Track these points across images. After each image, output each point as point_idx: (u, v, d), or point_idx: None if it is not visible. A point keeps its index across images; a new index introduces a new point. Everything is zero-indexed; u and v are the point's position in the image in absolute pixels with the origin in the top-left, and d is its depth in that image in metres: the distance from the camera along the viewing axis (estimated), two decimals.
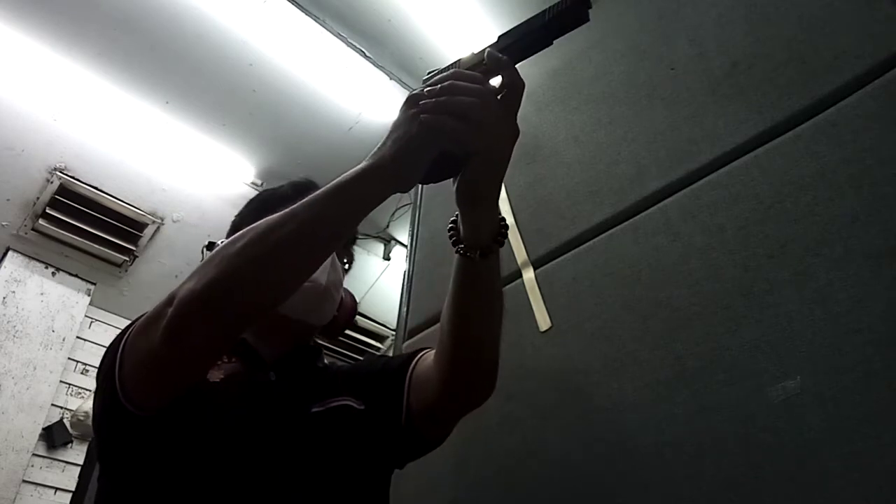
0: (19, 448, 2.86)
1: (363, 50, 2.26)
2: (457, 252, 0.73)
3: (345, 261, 1.02)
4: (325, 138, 2.65)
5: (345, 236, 0.74)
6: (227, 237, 1.00)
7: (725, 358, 0.77)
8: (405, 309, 1.32)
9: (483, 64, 0.66)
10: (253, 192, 3.06)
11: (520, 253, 1.11)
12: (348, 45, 2.24)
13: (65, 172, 2.81)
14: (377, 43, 2.24)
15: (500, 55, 0.64)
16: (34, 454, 2.93)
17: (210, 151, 2.81)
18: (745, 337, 0.76)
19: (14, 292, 3.02)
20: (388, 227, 3.05)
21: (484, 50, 0.68)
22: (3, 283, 2.99)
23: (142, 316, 0.78)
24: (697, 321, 0.82)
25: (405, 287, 1.37)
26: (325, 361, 1.01)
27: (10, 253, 3.04)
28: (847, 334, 0.67)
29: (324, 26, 2.17)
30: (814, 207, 0.76)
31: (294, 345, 0.95)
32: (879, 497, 0.60)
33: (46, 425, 2.98)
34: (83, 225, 2.97)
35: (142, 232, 3.04)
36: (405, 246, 1.72)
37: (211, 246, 1.00)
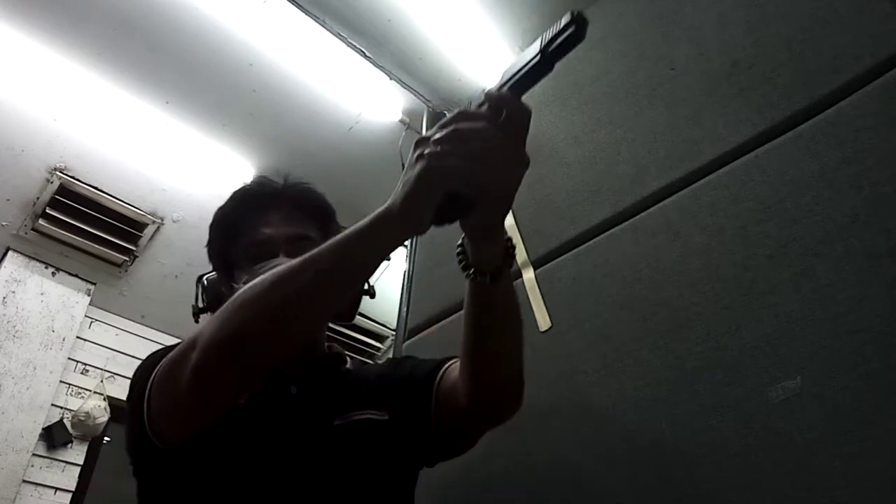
0: (19, 448, 2.86)
1: (363, 50, 2.26)
2: (466, 277, 0.74)
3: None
4: (325, 138, 2.65)
5: (362, 281, 0.75)
6: (211, 231, 1.01)
7: (725, 358, 0.77)
8: (405, 309, 1.32)
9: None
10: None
11: (520, 253, 1.11)
12: (348, 45, 2.24)
13: (65, 172, 2.81)
14: (377, 43, 2.24)
15: (498, 91, 0.65)
16: (34, 454, 2.92)
17: (210, 151, 2.81)
18: (745, 337, 0.76)
19: (14, 292, 3.02)
20: None
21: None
22: (3, 283, 2.99)
23: (167, 349, 0.81)
24: (697, 321, 0.82)
25: (405, 287, 1.37)
26: (349, 365, 1.00)
27: (10, 253, 3.04)
28: (847, 334, 0.67)
29: (324, 26, 2.17)
30: (814, 207, 0.76)
31: (312, 355, 0.95)
32: (879, 497, 0.60)
33: (46, 425, 2.98)
34: (83, 225, 2.97)
35: (142, 232, 3.04)
36: (405, 246, 1.72)
37: (200, 280, 1.01)
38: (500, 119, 0.63)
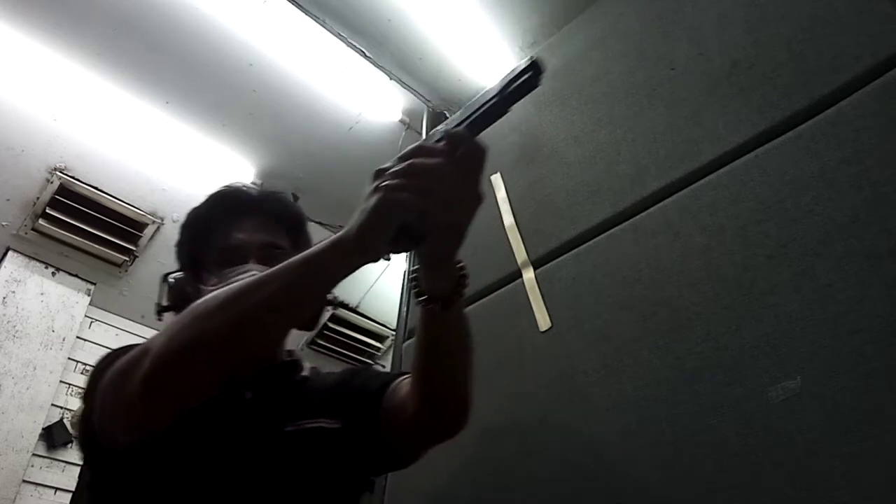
0: (19, 448, 2.86)
1: (363, 50, 2.25)
2: (417, 304, 0.77)
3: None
4: (325, 138, 2.64)
5: (315, 304, 0.79)
6: (179, 265, 1.03)
7: (725, 358, 0.77)
8: (405, 309, 1.32)
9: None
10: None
11: (520, 253, 1.11)
12: (348, 45, 2.23)
13: (65, 172, 2.81)
14: (377, 43, 2.24)
15: (455, 130, 0.67)
16: (34, 454, 2.92)
17: (210, 151, 2.80)
18: (745, 337, 0.76)
19: (14, 292, 3.02)
20: None
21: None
22: (3, 283, 2.99)
23: (125, 349, 0.82)
24: (697, 321, 0.82)
25: (405, 287, 1.36)
26: (306, 372, 1.02)
27: (10, 253, 3.04)
28: (847, 334, 0.67)
29: (324, 26, 2.17)
30: (814, 207, 0.75)
31: (268, 362, 0.97)
32: (879, 497, 0.60)
33: (46, 425, 2.98)
34: (83, 225, 2.97)
35: (142, 232, 3.04)
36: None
37: (165, 279, 1.03)
38: (457, 155, 0.66)
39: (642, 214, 0.96)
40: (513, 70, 0.64)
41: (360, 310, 3.33)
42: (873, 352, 0.65)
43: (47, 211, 2.89)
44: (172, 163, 2.87)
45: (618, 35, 1.17)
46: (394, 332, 1.50)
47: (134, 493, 0.81)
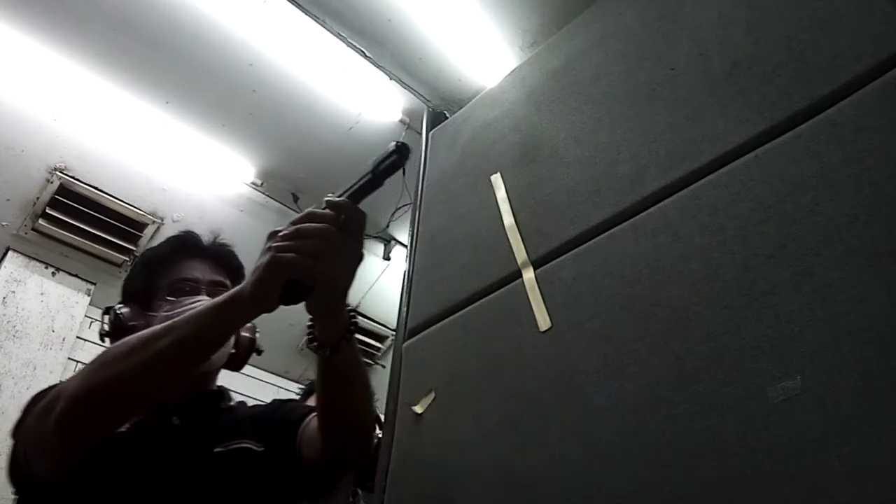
0: None
1: (363, 50, 2.25)
2: (310, 349, 0.86)
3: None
4: (325, 138, 2.65)
5: (215, 350, 0.89)
6: (122, 299, 1.15)
7: (725, 358, 0.77)
8: (405, 309, 1.32)
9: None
10: (253, 192, 3.07)
11: (520, 253, 1.11)
12: (348, 45, 2.24)
13: (65, 172, 2.81)
14: (377, 43, 2.24)
15: (337, 199, 0.78)
16: None
17: (210, 151, 2.81)
18: (745, 337, 0.76)
19: (14, 292, 3.02)
20: (388, 227, 3.05)
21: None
22: (3, 283, 2.99)
23: (42, 393, 0.91)
24: (697, 321, 0.82)
25: (405, 287, 1.36)
26: (232, 402, 1.13)
27: (10, 253, 3.04)
28: (847, 334, 0.67)
29: (324, 26, 2.17)
30: (814, 207, 0.75)
31: (195, 391, 1.07)
32: (879, 497, 0.60)
33: None
34: (83, 225, 2.97)
35: (142, 232, 3.04)
36: (405, 246, 1.72)
37: (108, 311, 1.13)
38: (340, 221, 0.76)
39: (642, 214, 0.96)
40: (384, 151, 0.78)
41: (360, 310, 3.33)
42: (873, 352, 0.65)
43: (47, 211, 2.89)
44: (172, 163, 2.87)
45: (618, 35, 1.17)
46: (394, 332, 1.50)
47: None
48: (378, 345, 3.63)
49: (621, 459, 0.81)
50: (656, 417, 0.80)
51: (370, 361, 3.61)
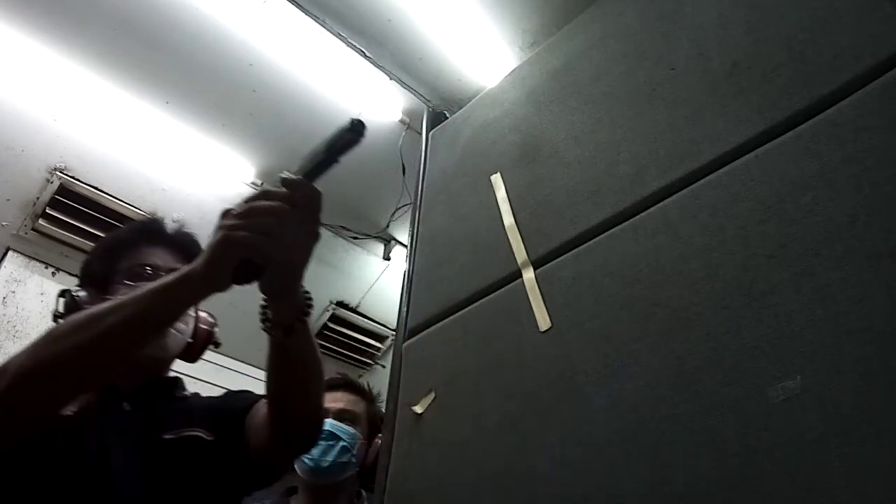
0: None
1: (363, 50, 2.25)
2: (263, 330, 0.84)
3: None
4: (325, 138, 2.64)
5: (164, 329, 0.87)
6: (79, 282, 1.13)
7: (725, 358, 0.77)
8: (405, 309, 1.32)
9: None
10: (253, 192, 3.05)
11: (520, 253, 1.11)
12: (348, 45, 2.23)
13: (65, 172, 2.81)
14: (377, 43, 2.23)
15: (292, 177, 0.75)
16: None
17: (210, 151, 2.80)
18: (745, 337, 0.76)
19: (14, 292, 3.01)
20: (388, 227, 3.04)
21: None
22: (3, 283, 2.99)
23: None
24: (697, 321, 0.82)
25: (405, 287, 1.36)
26: (186, 392, 1.12)
27: (10, 253, 3.04)
28: (847, 334, 0.67)
29: (324, 26, 2.17)
30: (814, 207, 0.75)
31: (148, 377, 1.06)
32: (879, 497, 0.60)
33: None
34: (83, 225, 2.96)
35: None
36: (405, 246, 1.71)
37: (64, 294, 1.12)
38: (295, 199, 0.73)
39: (642, 214, 0.96)
40: (339, 127, 0.75)
41: (360, 310, 3.33)
42: (873, 352, 0.65)
43: (47, 211, 2.88)
44: (172, 163, 2.87)
45: (618, 35, 1.17)
46: (394, 332, 1.50)
47: (5, 499, 0.87)
48: (378, 345, 3.63)
49: (621, 459, 0.81)
50: (656, 417, 0.80)
51: (370, 361, 3.61)
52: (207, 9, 2.23)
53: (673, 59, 1.03)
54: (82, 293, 1.09)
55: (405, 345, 1.26)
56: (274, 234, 0.72)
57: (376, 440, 1.68)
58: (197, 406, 1.08)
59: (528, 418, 0.95)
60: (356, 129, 0.73)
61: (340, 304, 3.24)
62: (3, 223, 2.96)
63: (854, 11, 0.82)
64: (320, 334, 3.29)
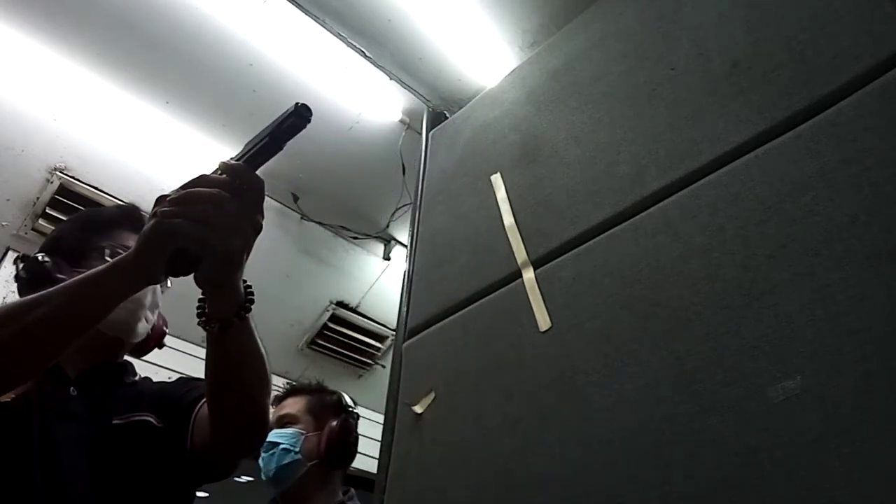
0: None
1: (363, 50, 2.25)
2: (198, 324, 0.79)
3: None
4: (325, 138, 2.64)
5: (95, 321, 0.81)
6: (45, 251, 1.08)
7: (725, 358, 0.77)
8: (405, 309, 1.32)
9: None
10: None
11: (520, 253, 1.11)
12: (348, 45, 2.23)
13: (65, 172, 2.81)
14: (377, 43, 2.23)
15: (233, 162, 0.72)
16: None
17: (210, 151, 2.80)
18: (745, 337, 0.76)
19: (14, 292, 3.01)
20: (388, 227, 3.04)
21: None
22: (3, 283, 2.99)
23: None
24: (697, 321, 0.82)
25: (405, 287, 1.37)
26: (137, 378, 1.08)
27: (10, 253, 3.04)
28: (847, 334, 0.67)
29: (324, 26, 2.17)
30: (814, 207, 0.75)
31: (101, 361, 1.02)
32: (879, 497, 0.60)
33: None
34: None
35: None
36: (405, 246, 1.71)
37: (24, 258, 1.08)
38: (235, 187, 0.70)
39: (642, 214, 0.96)
40: (283, 112, 0.72)
41: (360, 310, 3.33)
42: (873, 352, 0.65)
43: (47, 211, 2.88)
44: (172, 163, 2.87)
45: (618, 35, 1.17)
46: (394, 332, 1.50)
47: None
48: (378, 345, 3.63)
49: (621, 459, 0.81)
50: (656, 417, 0.80)
51: (370, 361, 3.61)
52: (207, 9, 2.23)
53: (673, 59, 1.03)
54: (49, 261, 1.04)
55: (405, 345, 1.26)
56: (210, 223, 0.68)
57: (330, 424, 1.68)
58: (147, 391, 1.04)
59: (528, 418, 0.95)
60: (301, 114, 0.71)
61: (340, 304, 3.24)
62: (3, 223, 2.96)
63: (854, 11, 0.82)
64: (320, 334, 3.29)
